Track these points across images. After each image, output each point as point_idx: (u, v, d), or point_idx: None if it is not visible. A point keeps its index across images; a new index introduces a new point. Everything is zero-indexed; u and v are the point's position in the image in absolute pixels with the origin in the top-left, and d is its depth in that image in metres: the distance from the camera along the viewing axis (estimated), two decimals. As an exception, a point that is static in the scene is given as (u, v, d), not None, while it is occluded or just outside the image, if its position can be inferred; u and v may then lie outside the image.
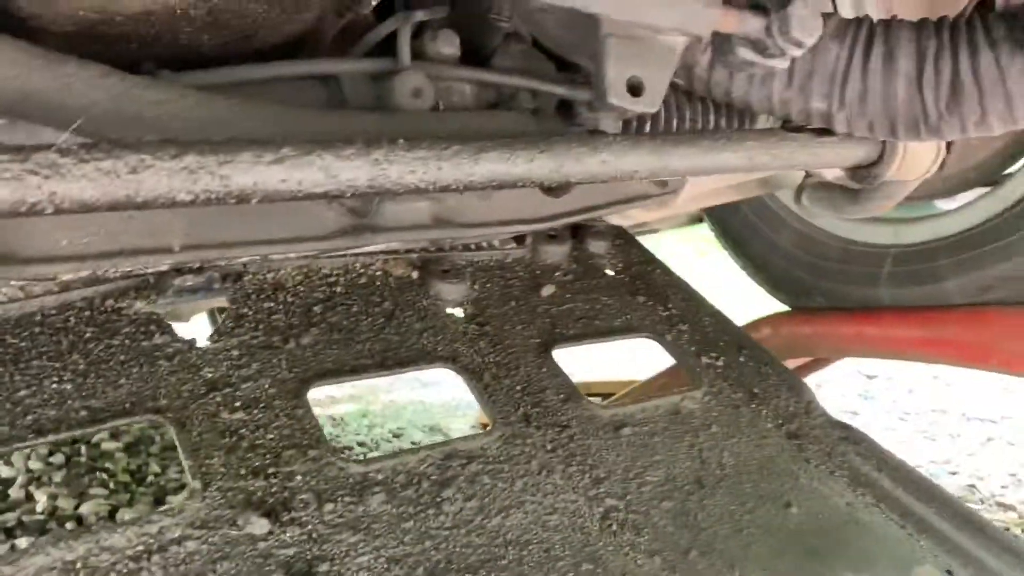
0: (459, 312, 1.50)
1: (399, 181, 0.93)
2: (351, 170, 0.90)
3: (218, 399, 1.17)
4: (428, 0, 1.22)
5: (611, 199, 1.57)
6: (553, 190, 1.39)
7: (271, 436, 1.15)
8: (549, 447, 1.27)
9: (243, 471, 1.09)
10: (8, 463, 2.81)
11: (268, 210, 1.25)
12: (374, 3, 1.08)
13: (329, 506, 1.07)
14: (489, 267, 1.62)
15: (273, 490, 1.08)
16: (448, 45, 1.18)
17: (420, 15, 1.16)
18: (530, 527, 1.13)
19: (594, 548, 1.12)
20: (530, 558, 1.09)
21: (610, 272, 1.77)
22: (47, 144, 0.77)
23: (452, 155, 0.95)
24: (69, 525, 2.54)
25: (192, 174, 0.82)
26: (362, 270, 1.49)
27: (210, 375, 1.20)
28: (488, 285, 1.57)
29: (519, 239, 1.69)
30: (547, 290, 1.61)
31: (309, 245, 1.27)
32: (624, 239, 1.89)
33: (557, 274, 1.67)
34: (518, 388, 1.36)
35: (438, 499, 1.13)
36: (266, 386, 1.21)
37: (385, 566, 1.03)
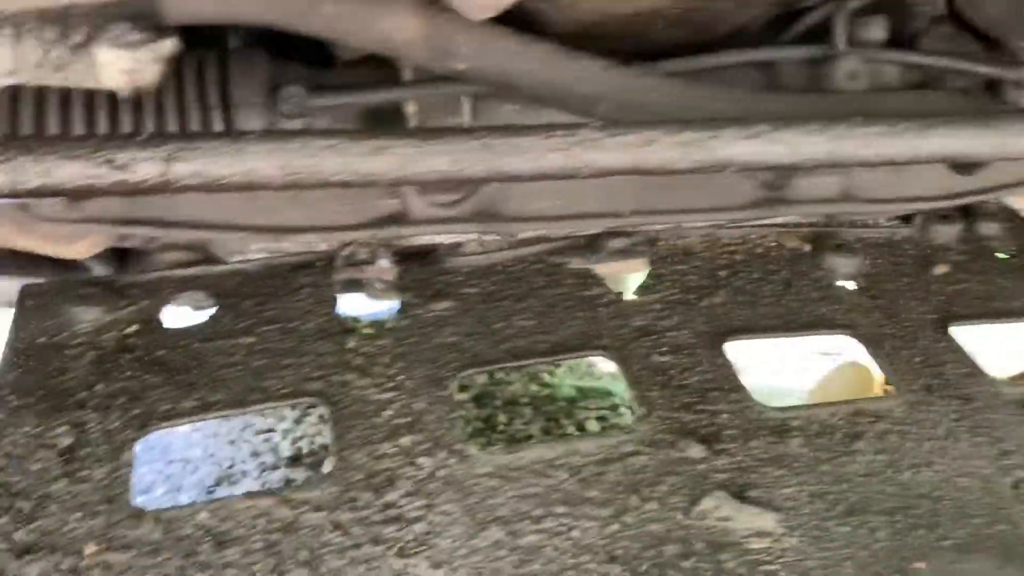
0: (851, 285, 1.58)
1: (853, 155, 1.04)
2: (812, 145, 1.03)
3: (648, 343, 1.36)
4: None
5: (1021, 178, 1.56)
6: (965, 168, 1.42)
7: (696, 378, 1.32)
8: (954, 416, 1.31)
9: (676, 404, 1.27)
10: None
11: (693, 182, 1.41)
12: (824, -5, 1.19)
13: (753, 442, 1.22)
14: (878, 244, 1.67)
15: (703, 423, 1.24)
16: (879, 30, 1.27)
17: (854, 3, 1.25)
18: (940, 485, 1.20)
19: (1007, 511, 1.16)
20: (943, 511, 1.16)
21: (1003, 255, 1.74)
22: (585, 122, 0.98)
23: (902, 131, 1.05)
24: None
25: (687, 147, 1.00)
26: (758, 241, 1.62)
27: (640, 323, 1.40)
28: (879, 261, 1.63)
29: (907, 218, 1.72)
30: (939, 269, 1.63)
31: (730, 214, 1.42)
32: (1016, 221, 1.83)
33: (948, 254, 1.68)
34: (917, 359, 1.42)
35: (850, 449, 1.23)
36: (687, 336, 1.38)
37: (807, 499, 1.16)
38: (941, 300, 1.56)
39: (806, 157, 1.04)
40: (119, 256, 1.70)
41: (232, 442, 3.57)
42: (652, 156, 0.99)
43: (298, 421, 3.60)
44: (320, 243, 1.39)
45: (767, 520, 1.13)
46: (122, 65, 0.55)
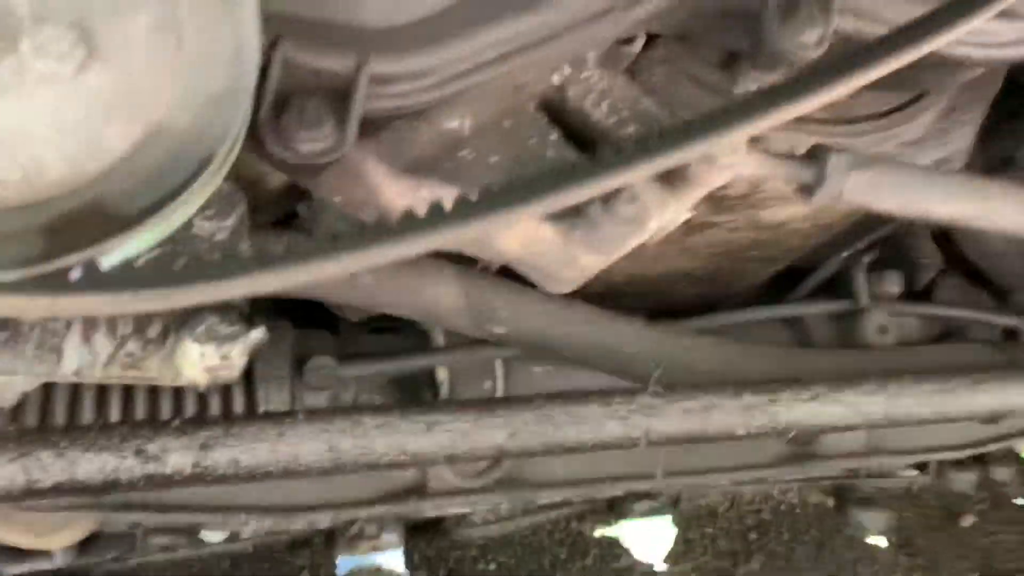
0: (883, 541, 1.49)
1: (910, 413, 1.00)
2: (870, 404, 0.99)
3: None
4: (850, 242, 1.33)
5: (1037, 424, 1.54)
6: (991, 418, 1.40)
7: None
8: None
9: None
10: None
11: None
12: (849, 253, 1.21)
13: None
14: (898, 495, 1.61)
15: None
16: (894, 284, 1.28)
17: (867, 257, 1.28)
18: None
19: None
20: None
21: (1021, 501, 1.69)
22: (640, 387, 0.93)
23: (954, 388, 1.02)
24: None
25: (748, 411, 0.94)
26: (780, 497, 1.54)
27: (678, 597, 1.28)
28: (905, 514, 1.56)
29: (921, 466, 1.68)
30: (967, 520, 1.57)
31: (758, 472, 1.35)
32: None
33: (970, 503, 1.62)
34: (973, 624, 1.31)
35: None
36: (732, 611, 1.26)
37: None
38: (979, 555, 1.48)
39: (865, 418, 0.99)
40: (84, 541, 1.53)
41: None
42: (713, 423, 0.93)
43: None
44: (323, 521, 1.27)
45: None
46: (209, 361, 0.49)
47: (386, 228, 0.44)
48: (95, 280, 0.38)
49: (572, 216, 0.63)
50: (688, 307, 1.25)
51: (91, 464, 0.74)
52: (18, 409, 0.88)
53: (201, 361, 0.49)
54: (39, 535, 1.11)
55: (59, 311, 0.38)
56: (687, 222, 0.99)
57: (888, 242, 1.36)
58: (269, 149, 0.55)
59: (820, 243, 1.19)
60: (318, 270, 0.42)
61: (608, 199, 0.62)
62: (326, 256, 0.41)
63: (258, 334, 0.51)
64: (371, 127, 0.60)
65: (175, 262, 0.41)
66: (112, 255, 0.39)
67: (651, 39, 0.81)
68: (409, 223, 0.43)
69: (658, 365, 1.02)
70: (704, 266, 1.13)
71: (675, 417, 0.92)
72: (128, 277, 0.38)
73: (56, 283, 0.37)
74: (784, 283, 1.41)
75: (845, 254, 1.32)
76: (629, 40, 0.78)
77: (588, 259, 0.66)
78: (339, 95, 0.56)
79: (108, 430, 0.75)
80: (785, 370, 1.11)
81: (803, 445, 1.38)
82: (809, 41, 0.69)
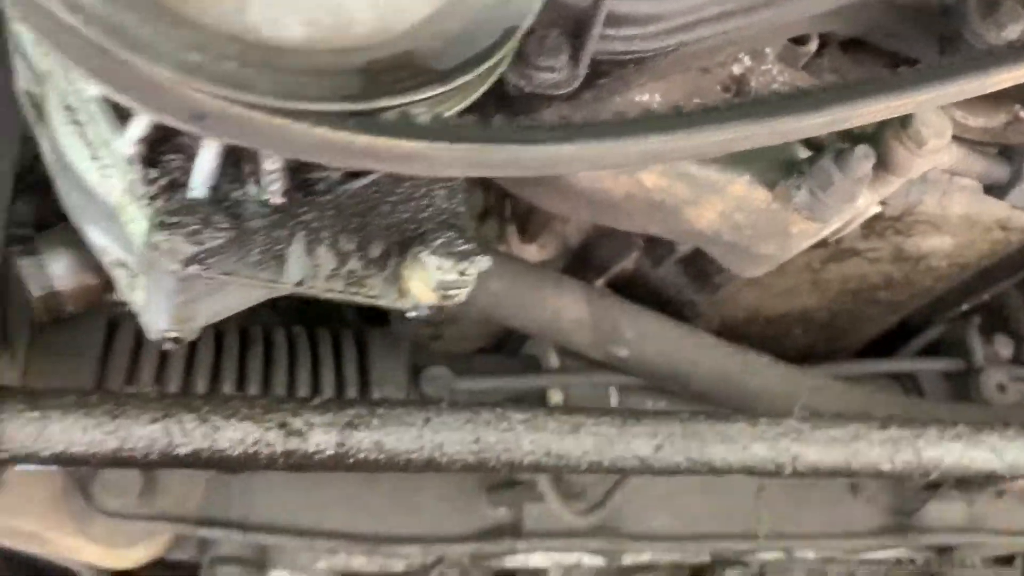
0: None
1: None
2: (1013, 449, 0.94)
3: None
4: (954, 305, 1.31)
5: None
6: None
7: None
8: None
9: None
10: None
11: (817, 504, 1.29)
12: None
13: None
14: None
15: None
16: (1005, 347, 1.25)
17: (977, 319, 1.25)
18: None
19: None
20: None
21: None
22: (787, 413, 0.88)
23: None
24: None
25: (894, 444, 0.90)
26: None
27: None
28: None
29: (1007, 560, 1.60)
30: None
31: (857, 541, 1.28)
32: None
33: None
34: None
35: None
36: None
37: None
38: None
39: (1008, 465, 0.94)
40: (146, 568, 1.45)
41: None
42: (859, 455, 0.88)
43: None
44: (397, 563, 1.20)
45: None
46: (446, 275, 0.46)
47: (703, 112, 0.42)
48: (411, 128, 0.35)
49: (795, 178, 0.61)
50: (797, 358, 1.21)
51: (233, 433, 0.69)
52: (161, 372, 0.84)
53: (437, 275, 0.46)
54: (112, 548, 1.04)
55: (374, 152, 0.35)
56: (830, 248, 0.97)
57: (990, 308, 1.34)
58: (505, 75, 0.53)
59: (938, 296, 1.16)
60: (628, 147, 0.39)
61: (841, 153, 0.60)
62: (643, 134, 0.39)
63: (487, 260, 0.48)
64: (591, 77, 0.59)
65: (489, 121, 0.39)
66: (426, 111, 0.37)
67: (820, 48, 0.81)
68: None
69: (766, 398, 0.98)
70: (827, 307, 1.10)
71: (822, 445, 0.87)
72: (443, 129, 0.36)
73: (374, 124, 0.35)
74: (884, 347, 1.38)
75: (951, 315, 1.30)
76: (803, 41, 0.77)
77: (801, 227, 0.63)
78: (576, 30, 0.55)
79: (252, 400, 0.71)
80: (915, 415, 1.06)
81: (906, 515, 1.31)
82: (1010, 36, 0.68)
